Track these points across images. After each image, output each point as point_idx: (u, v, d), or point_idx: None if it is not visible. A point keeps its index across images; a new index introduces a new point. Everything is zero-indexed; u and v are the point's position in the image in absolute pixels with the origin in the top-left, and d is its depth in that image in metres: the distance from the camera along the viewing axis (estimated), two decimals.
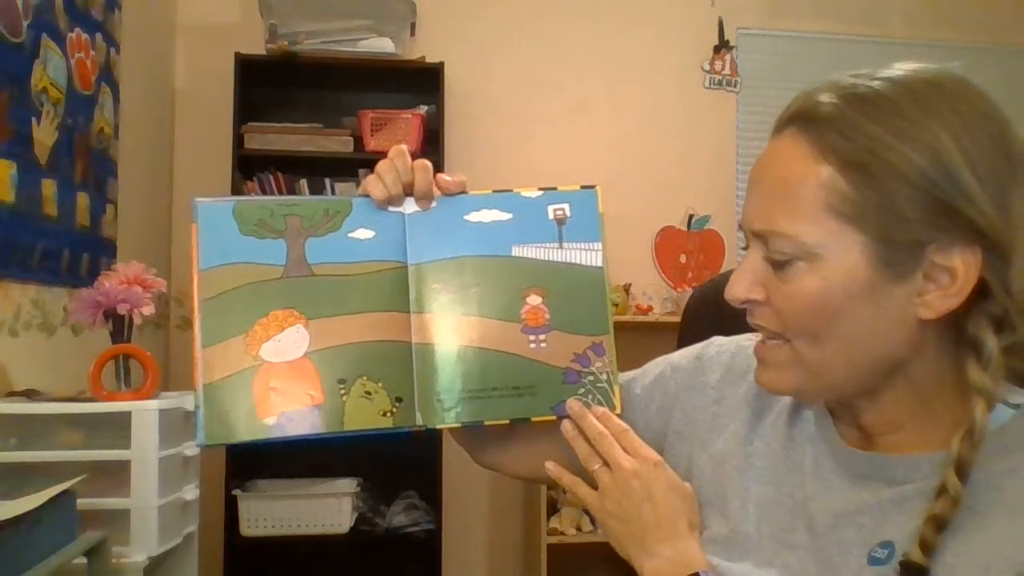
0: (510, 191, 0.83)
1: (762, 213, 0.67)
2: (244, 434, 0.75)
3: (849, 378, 0.68)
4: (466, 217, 0.82)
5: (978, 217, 0.61)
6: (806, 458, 0.74)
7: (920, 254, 0.63)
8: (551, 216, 0.82)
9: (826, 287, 0.64)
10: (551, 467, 0.82)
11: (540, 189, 0.83)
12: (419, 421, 0.79)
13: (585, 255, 0.82)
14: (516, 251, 0.82)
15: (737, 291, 0.70)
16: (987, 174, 0.61)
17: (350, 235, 0.80)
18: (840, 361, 0.67)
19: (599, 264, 0.82)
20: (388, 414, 0.78)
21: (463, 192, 0.83)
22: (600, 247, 0.82)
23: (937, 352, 0.67)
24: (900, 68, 0.66)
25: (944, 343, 0.67)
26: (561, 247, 0.82)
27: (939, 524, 0.61)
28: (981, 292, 0.63)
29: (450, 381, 0.79)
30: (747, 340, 0.86)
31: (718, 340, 0.89)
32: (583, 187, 0.84)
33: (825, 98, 0.65)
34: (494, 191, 0.83)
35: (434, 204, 0.82)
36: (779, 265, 0.66)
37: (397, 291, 0.80)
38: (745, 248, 0.71)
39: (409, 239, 0.81)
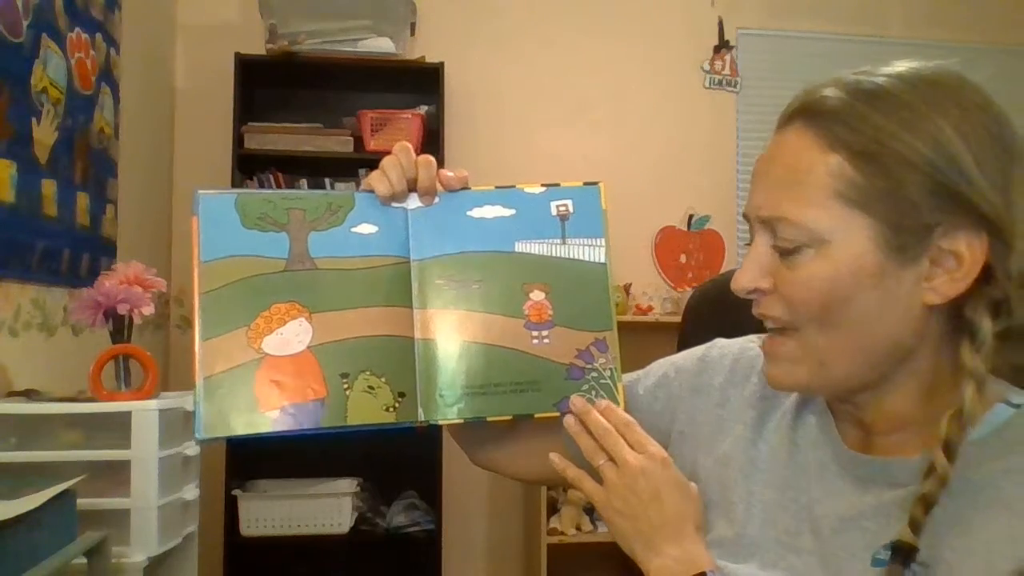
0: (513, 187, 0.83)
1: (770, 200, 0.68)
2: (245, 428, 0.75)
3: (856, 368, 0.68)
4: (469, 213, 0.82)
5: (981, 203, 0.63)
6: (810, 461, 0.75)
7: (927, 239, 0.64)
8: (554, 212, 0.82)
9: (835, 272, 0.65)
10: (555, 458, 0.81)
11: (543, 185, 0.83)
12: (421, 416, 0.78)
13: (588, 251, 0.82)
14: (519, 247, 0.81)
15: (744, 281, 0.70)
16: (987, 162, 0.64)
17: (353, 230, 0.80)
18: (848, 349, 0.67)
19: (602, 260, 0.82)
20: (391, 409, 0.77)
21: (466, 188, 0.83)
22: (603, 243, 0.82)
23: (939, 343, 0.68)
24: (901, 65, 0.68)
25: (945, 333, 0.68)
26: (564, 243, 0.82)
27: (927, 504, 0.62)
28: (984, 278, 0.64)
29: (452, 377, 0.79)
30: (750, 342, 0.86)
31: (721, 342, 0.89)
32: (586, 183, 0.84)
33: (830, 92, 0.67)
34: (497, 187, 0.83)
35: (437, 200, 0.82)
36: (787, 252, 0.67)
37: (400, 286, 0.79)
38: (749, 245, 0.71)
39: (412, 234, 0.81)
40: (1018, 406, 0.67)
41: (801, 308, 0.67)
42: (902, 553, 0.62)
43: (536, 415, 0.80)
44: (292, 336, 0.77)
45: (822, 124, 0.66)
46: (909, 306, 0.66)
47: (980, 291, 0.65)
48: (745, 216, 0.72)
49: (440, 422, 0.79)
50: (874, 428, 0.72)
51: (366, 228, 0.80)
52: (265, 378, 0.75)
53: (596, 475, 0.79)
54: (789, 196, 0.66)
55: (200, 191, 0.78)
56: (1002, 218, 0.63)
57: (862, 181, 0.64)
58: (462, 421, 0.79)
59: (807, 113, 0.68)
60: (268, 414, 0.75)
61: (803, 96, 0.69)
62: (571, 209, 0.82)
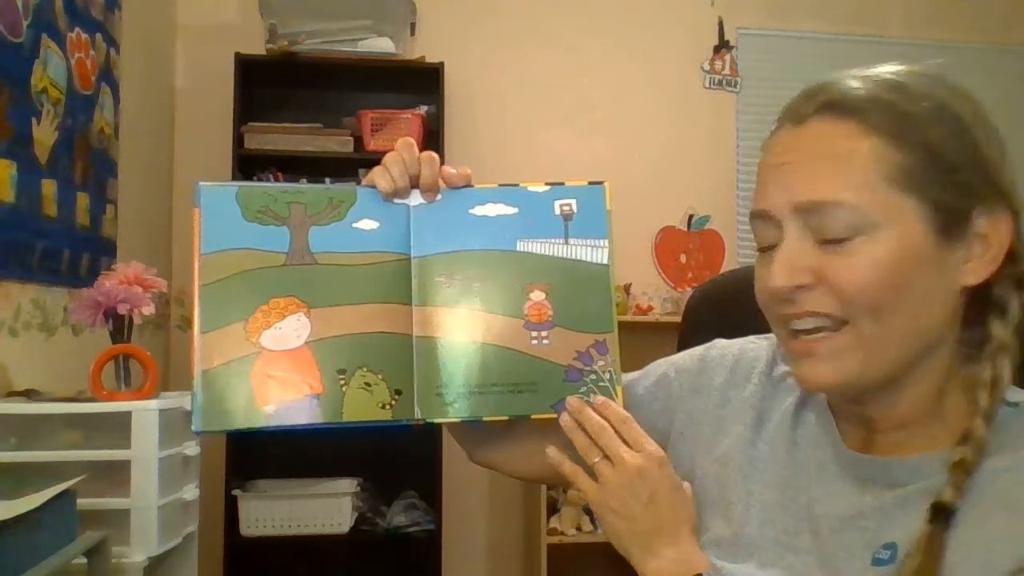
0: (516, 185, 0.82)
1: (813, 185, 0.66)
2: (241, 422, 0.74)
3: (904, 356, 0.67)
4: (471, 211, 0.81)
5: (1002, 183, 0.66)
6: (810, 461, 0.75)
7: (966, 219, 0.66)
8: (557, 211, 0.81)
9: (891, 256, 0.65)
10: (552, 452, 0.79)
11: (547, 184, 0.82)
12: (418, 415, 0.78)
13: (591, 252, 0.81)
14: (521, 246, 0.81)
15: (782, 279, 0.67)
16: (995, 148, 0.67)
17: (354, 225, 0.79)
18: (900, 336, 0.66)
19: (605, 261, 0.81)
20: (387, 406, 0.77)
21: (469, 185, 0.82)
22: (607, 244, 0.81)
23: (958, 331, 0.69)
24: (896, 65, 0.70)
25: (963, 318, 0.69)
26: (567, 243, 0.81)
27: (967, 469, 0.63)
28: (1009, 257, 0.67)
29: (450, 376, 0.78)
30: (750, 343, 0.86)
31: (720, 343, 0.89)
32: (591, 183, 0.83)
33: (855, 84, 0.68)
34: (500, 185, 0.82)
35: (439, 197, 0.81)
36: (835, 241, 0.66)
37: (400, 283, 0.79)
38: (769, 246, 0.70)
39: (413, 231, 0.80)
40: (1016, 404, 0.67)
41: (858, 297, 0.65)
42: (943, 513, 0.62)
43: (533, 416, 0.79)
44: (290, 331, 0.76)
45: (854, 113, 0.66)
46: (951, 288, 0.67)
47: (1006, 270, 0.67)
48: (761, 214, 0.69)
49: (436, 421, 0.79)
50: (879, 426, 0.72)
51: (367, 224, 0.80)
52: (262, 373, 0.75)
53: (592, 473, 0.78)
54: (835, 179, 0.65)
55: (201, 183, 0.78)
56: (1018, 198, 0.66)
57: (906, 162, 0.65)
58: (458, 420, 0.79)
59: (834, 106, 0.67)
60: (264, 409, 0.75)
61: (824, 91, 0.68)
62: (575, 209, 0.81)
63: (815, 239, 0.66)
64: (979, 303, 0.69)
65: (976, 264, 0.67)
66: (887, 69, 0.69)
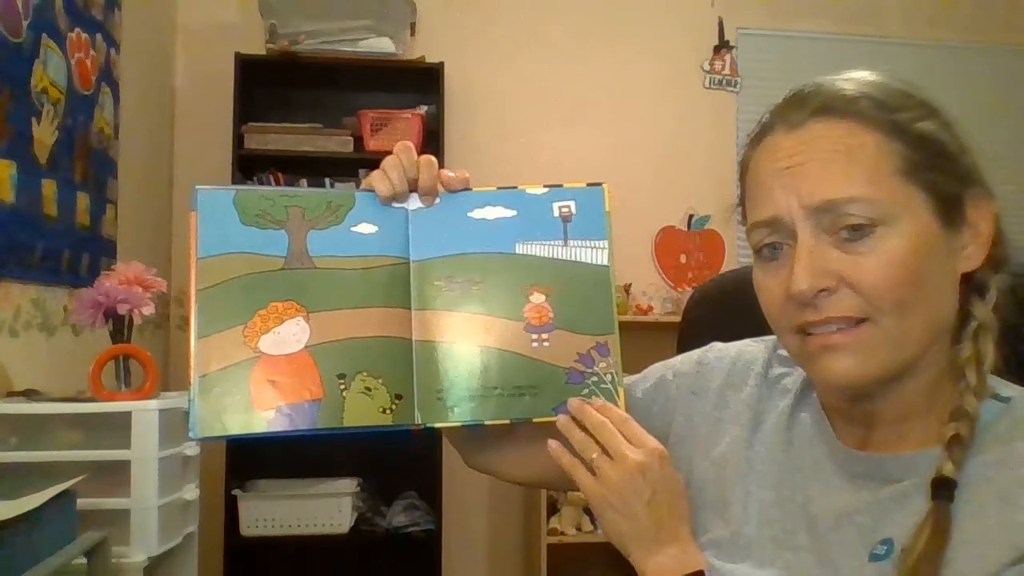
0: (515, 188, 0.82)
1: (826, 184, 0.66)
2: (240, 427, 0.74)
3: (919, 349, 0.68)
4: (470, 214, 0.81)
5: (982, 173, 0.69)
6: (805, 460, 0.75)
7: (962, 208, 0.68)
8: (556, 213, 0.81)
9: (908, 250, 0.65)
10: (553, 445, 0.78)
11: (546, 186, 0.82)
12: (418, 420, 0.78)
13: (590, 253, 0.81)
14: (520, 248, 0.81)
15: (805, 284, 0.66)
16: (967, 139, 0.70)
17: (353, 229, 0.79)
18: (918, 330, 0.67)
19: (605, 263, 0.81)
20: (387, 411, 0.76)
21: (467, 188, 0.82)
22: (606, 245, 0.81)
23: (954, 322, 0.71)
24: (865, 71, 0.72)
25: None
26: (566, 245, 0.81)
27: (963, 443, 0.64)
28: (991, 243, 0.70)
29: (450, 380, 0.78)
30: (747, 346, 0.87)
31: (718, 345, 0.89)
32: (590, 184, 0.82)
33: (845, 86, 0.70)
34: (499, 188, 0.82)
35: (438, 200, 0.81)
36: (856, 238, 0.66)
37: (399, 287, 0.79)
38: (774, 255, 0.70)
39: (412, 235, 0.80)
40: (1008, 399, 0.68)
41: (882, 295, 0.65)
42: (945, 487, 0.63)
43: (534, 420, 0.79)
44: (289, 335, 0.76)
45: (851, 112, 0.68)
46: (955, 278, 0.69)
47: (987, 255, 0.70)
48: (769, 221, 0.69)
49: (437, 426, 0.78)
50: (879, 421, 0.72)
51: (366, 228, 0.79)
52: (261, 377, 0.74)
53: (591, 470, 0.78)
54: (848, 176, 0.66)
55: (198, 187, 0.78)
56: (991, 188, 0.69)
57: (909, 154, 0.66)
58: (459, 425, 0.79)
59: (829, 108, 0.68)
60: (263, 414, 0.74)
61: (817, 95, 0.70)
62: (574, 210, 0.81)
63: (830, 241, 0.66)
64: (961, 288, 0.70)
65: (971, 250, 0.69)
66: (863, 73, 0.71)
